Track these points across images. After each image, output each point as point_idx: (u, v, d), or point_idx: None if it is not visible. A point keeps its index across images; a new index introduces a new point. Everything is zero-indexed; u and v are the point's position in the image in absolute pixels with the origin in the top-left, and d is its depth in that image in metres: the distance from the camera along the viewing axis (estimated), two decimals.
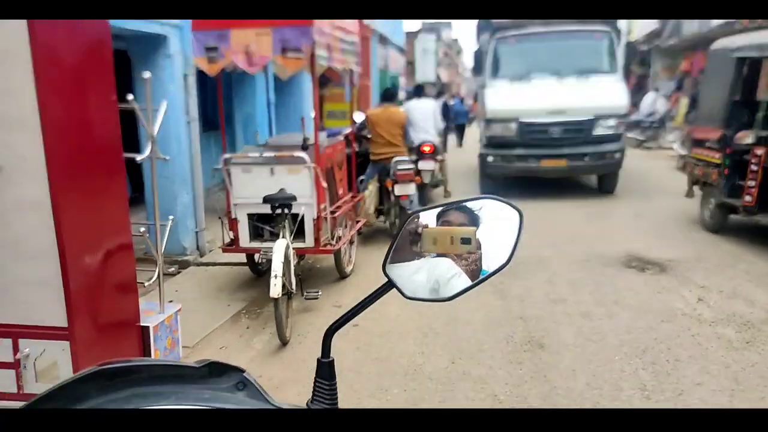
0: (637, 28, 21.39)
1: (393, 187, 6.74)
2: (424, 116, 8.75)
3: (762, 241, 6.07)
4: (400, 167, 6.72)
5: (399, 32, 27.73)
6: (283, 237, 4.44)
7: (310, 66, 4.93)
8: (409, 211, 7.12)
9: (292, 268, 4.39)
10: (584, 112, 8.47)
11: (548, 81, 8.99)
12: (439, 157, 9.02)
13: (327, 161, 5.33)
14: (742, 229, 6.51)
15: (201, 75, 4.85)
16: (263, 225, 5.03)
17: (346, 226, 5.63)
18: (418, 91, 9.50)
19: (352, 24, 5.86)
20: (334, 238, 5.19)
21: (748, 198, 5.88)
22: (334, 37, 5.13)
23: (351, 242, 5.75)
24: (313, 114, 9.83)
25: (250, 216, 5.05)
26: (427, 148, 8.61)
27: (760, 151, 5.76)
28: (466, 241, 1.08)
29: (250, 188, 4.98)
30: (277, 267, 4.01)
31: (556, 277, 5.27)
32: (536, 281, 5.19)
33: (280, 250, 4.15)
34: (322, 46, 4.84)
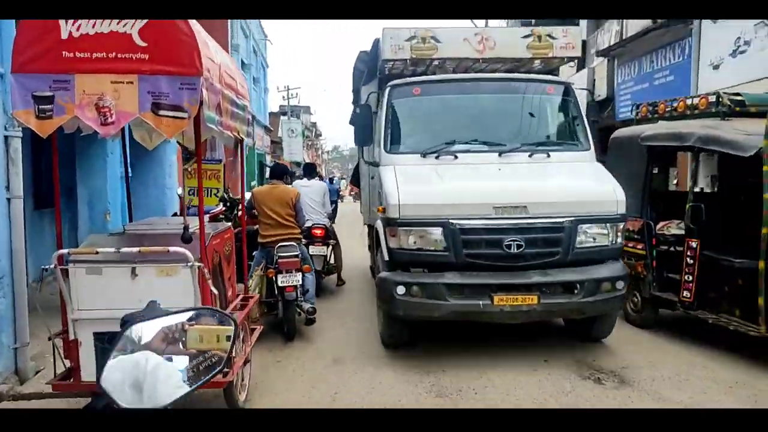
0: None
1: (276, 277, 5.73)
2: (314, 197, 7.83)
3: (700, 338, 5.60)
4: (282, 254, 5.78)
5: (263, 111, 27.00)
6: None
7: (195, 130, 3.67)
8: (300, 302, 6.07)
9: None
10: (556, 211, 4.95)
11: (484, 158, 5.50)
12: (331, 242, 7.98)
13: (214, 256, 3.97)
14: (673, 324, 6.06)
15: (37, 137, 3.41)
16: None
17: (238, 339, 4.21)
18: (309, 171, 8.49)
19: (243, 86, 4.70)
20: (225, 362, 3.75)
21: (686, 293, 5.42)
22: (225, 96, 3.91)
23: (246, 361, 4.30)
24: (179, 190, 8.49)
25: (99, 336, 3.50)
26: (318, 232, 7.61)
27: (694, 243, 5.37)
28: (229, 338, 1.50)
29: (100, 297, 3.50)
30: None
31: (513, 400, 4.23)
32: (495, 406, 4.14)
33: None
34: (212, 105, 3.61)
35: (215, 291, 3.60)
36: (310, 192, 7.79)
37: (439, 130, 5.87)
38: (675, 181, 8.07)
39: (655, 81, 12.50)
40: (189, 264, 3.39)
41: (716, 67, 10.51)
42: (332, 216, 8.90)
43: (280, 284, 5.72)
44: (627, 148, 6.53)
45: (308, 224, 7.32)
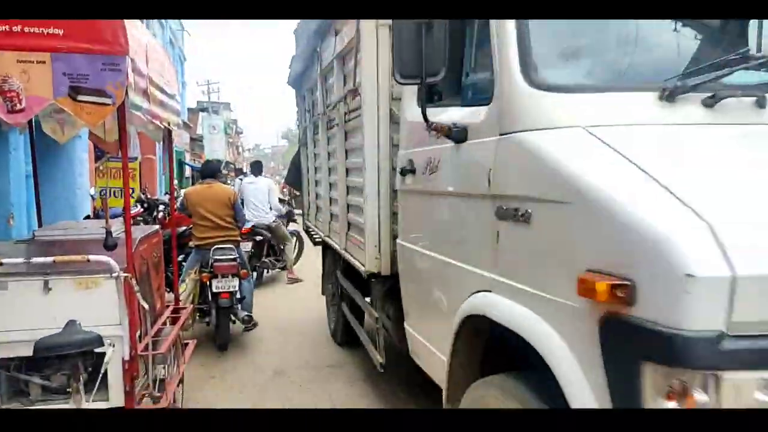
0: None
1: (210, 282, 5.36)
2: (257, 195, 7.84)
3: None
4: (219, 257, 5.42)
5: (182, 106, 25.72)
6: (73, 400, 2.58)
7: (119, 117, 3.19)
8: (235, 309, 5.65)
9: None
10: None
11: None
12: (257, 237, 7.76)
13: (142, 264, 3.50)
14: None
15: None
16: (30, 377, 2.99)
17: (170, 355, 3.75)
18: (258, 168, 8.53)
19: (170, 72, 4.22)
20: (156, 385, 3.31)
21: None
22: (152, 81, 3.46)
23: (180, 381, 3.85)
24: (92, 191, 7.75)
25: (4, 363, 2.97)
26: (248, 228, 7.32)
27: None
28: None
29: (6, 316, 2.97)
30: None
31: None
32: None
33: None
34: (138, 90, 3.16)
35: (145, 305, 3.16)
36: (254, 190, 7.80)
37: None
38: None
39: None
40: (114, 275, 2.93)
41: None
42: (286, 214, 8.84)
43: (214, 290, 5.35)
44: None
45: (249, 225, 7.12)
